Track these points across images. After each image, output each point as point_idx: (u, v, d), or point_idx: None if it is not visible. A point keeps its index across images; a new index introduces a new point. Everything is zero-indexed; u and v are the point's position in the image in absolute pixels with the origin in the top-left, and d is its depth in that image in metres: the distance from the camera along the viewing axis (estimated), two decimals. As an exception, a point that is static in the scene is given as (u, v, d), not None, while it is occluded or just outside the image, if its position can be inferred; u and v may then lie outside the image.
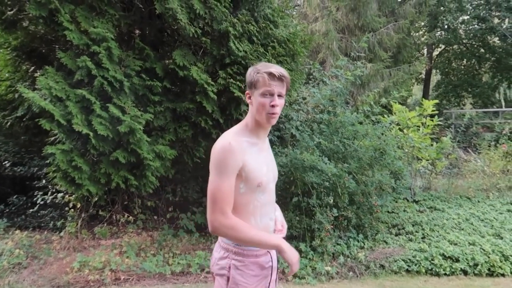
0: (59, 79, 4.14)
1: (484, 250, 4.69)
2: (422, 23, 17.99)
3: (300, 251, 4.55)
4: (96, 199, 4.88)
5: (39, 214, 5.55)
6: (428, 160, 7.58)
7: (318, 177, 4.67)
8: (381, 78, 10.91)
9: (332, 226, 4.73)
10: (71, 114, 3.98)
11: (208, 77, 4.52)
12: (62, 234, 4.92)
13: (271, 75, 1.65)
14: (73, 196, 4.99)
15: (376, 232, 5.32)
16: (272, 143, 5.53)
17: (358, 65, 6.12)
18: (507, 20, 18.61)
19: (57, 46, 5.05)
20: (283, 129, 5.60)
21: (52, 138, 4.91)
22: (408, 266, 4.54)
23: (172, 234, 4.97)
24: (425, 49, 22.13)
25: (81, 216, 5.09)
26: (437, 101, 8.17)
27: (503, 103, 22.83)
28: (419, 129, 7.33)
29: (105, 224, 5.22)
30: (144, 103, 4.65)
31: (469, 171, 8.82)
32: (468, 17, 19.00)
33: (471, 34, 20.10)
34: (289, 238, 4.74)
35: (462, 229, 5.50)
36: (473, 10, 18.40)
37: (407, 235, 5.33)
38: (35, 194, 5.56)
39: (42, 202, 5.50)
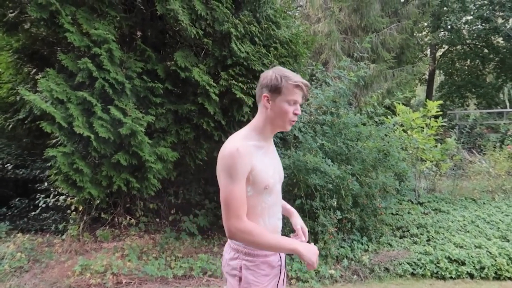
0: (60, 81, 4.12)
1: (490, 253, 4.62)
2: (425, 24, 17.95)
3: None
4: (98, 201, 4.85)
5: (41, 217, 5.53)
6: (432, 162, 7.51)
7: (321, 179, 4.62)
8: (384, 79, 10.85)
9: (335, 229, 4.68)
10: (72, 117, 3.95)
11: (210, 79, 4.49)
12: (64, 237, 4.90)
13: (298, 86, 1.71)
14: (75, 198, 4.97)
15: (381, 234, 5.26)
16: (275, 145, 5.47)
17: (361, 65, 6.06)
18: (511, 20, 18.50)
19: (58, 48, 5.04)
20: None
21: (54, 141, 4.89)
22: (413, 269, 4.48)
23: (174, 237, 4.93)
24: (429, 50, 22.05)
25: (83, 219, 5.06)
26: (441, 102, 8.09)
27: (508, 104, 22.63)
28: (423, 130, 7.27)
29: (107, 227, 5.19)
30: (146, 105, 4.62)
31: (474, 173, 8.73)
32: (471, 17, 18.89)
33: (475, 35, 19.99)
34: (292, 241, 4.68)
35: (468, 232, 5.43)
36: (476, 10, 18.30)
37: (412, 238, 5.27)
38: (37, 197, 5.55)
39: (44, 205, 5.48)
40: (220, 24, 4.51)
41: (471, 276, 4.42)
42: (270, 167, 1.76)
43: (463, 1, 17.96)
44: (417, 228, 5.57)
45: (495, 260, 4.50)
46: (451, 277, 4.39)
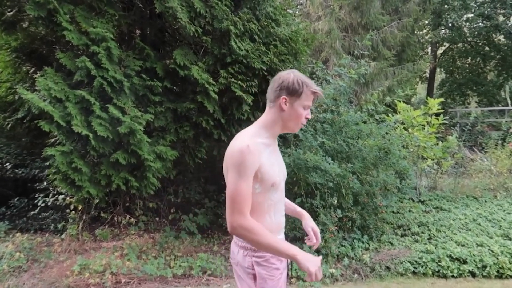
0: (58, 80, 4.09)
1: (492, 251, 4.59)
2: (426, 22, 17.88)
3: (304, 253, 4.47)
4: (97, 201, 4.82)
5: (40, 216, 5.51)
6: (433, 160, 7.47)
7: (322, 177, 4.59)
8: (385, 77, 10.81)
9: (336, 227, 4.65)
10: (71, 115, 3.93)
11: (209, 77, 4.46)
12: (63, 236, 4.88)
13: (315, 93, 1.81)
14: (74, 198, 4.94)
15: (381, 233, 5.23)
16: (275, 143, 5.45)
17: (362, 63, 6.02)
18: (512, 17, 18.44)
19: (57, 47, 5.02)
20: (286, 129, 5.52)
21: (52, 140, 4.87)
22: (415, 268, 4.45)
23: (174, 236, 4.91)
24: (429, 48, 21.99)
25: (82, 218, 5.04)
26: (442, 99, 8.05)
27: (509, 102, 22.61)
28: (424, 128, 7.23)
29: (107, 226, 5.17)
30: (145, 104, 4.59)
31: (475, 171, 8.69)
32: (472, 15, 18.81)
33: (476, 32, 19.91)
34: (292, 239, 4.66)
35: (470, 230, 5.39)
36: (477, 8, 18.23)
37: (413, 236, 5.23)
38: (36, 196, 5.53)
39: (43, 204, 5.46)
40: (219, 22, 4.48)
41: (473, 274, 4.38)
42: (276, 165, 1.80)
43: (464, -1, 17.91)
44: (418, 226, 5.54)
45: (497, 259, 4.46)
46: (452, 276, 4.35)
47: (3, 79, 5.52)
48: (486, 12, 18.17)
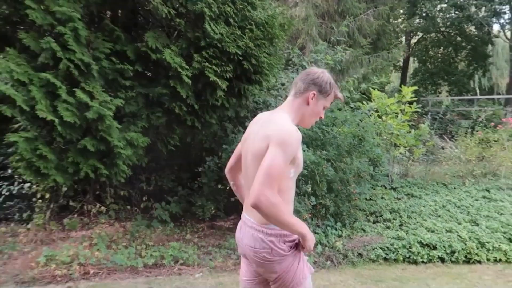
0: (21, 62, 3.85)
1: (461, 237, 4.72)
2: (401, 11, 18.02)
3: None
4: (65, 189, 4.64)
5: (4, 205, 5.26)
6: (406, 147, 7.60)
7: (297, 165, 4.56)
8: (360, 65, 10.84)
9: (310, 215, 4.66)
10: (35, 100, 3.71)
11: (183, 61, 4.31)
12: (29, 226, 4.67)
13: (338, 98, 1.94)
14: (41, 186, 4.74)
15: (354, 220, 5.28)
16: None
17: (338, 49, 6.00)
18: (483, 8, 18.84)
19: (21, 27, 4.73)
20: (261, 116, 5.46)
21: (16, 126, 4.62)
22: (386, 254, 4.52)
23: (146, 225, 4.80)
24: (404, 37, 22.27)
25: (49, 207, 4.86)
26: (416, 87, 8.16)
27: (478, 91, 23.31)
28: (397, 116, 7.32)
29: (76, 215, 4.99)
30: (115, 88, 4.40)
31: (445, 158, 8.93)
32: (446, 5, 19.13)
33: (448, 22, 20.30)
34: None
35: (439, 216, 5.53)
36: (451, -2, 18.54)
37: (385, 223, 5.32)
38: (0, 184, 5.27)
39: (8, 193, 5.20)
40: (193, 4, 4.32)
41: (442, 260, 4.50)
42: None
43: (439, -12, 18.16)
44: (390, 213, 5.64)
45: (465, 244, 4.59)
46: (422, 262, 4.45)
47: (-39, 60, 5.17)
48: (458, 2, 18.50)
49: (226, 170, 2.13)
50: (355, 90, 6.43)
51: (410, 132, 7.38)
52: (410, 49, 22.14)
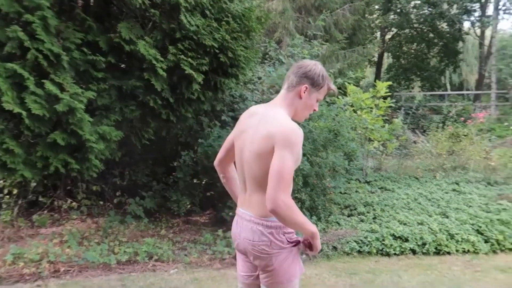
0: (-15, 51, 3.68)
1: (431, 229, 4.84)
2: (377, 6, 18.25)
3: (254, 235, 4.46)
4: (34, 184, 4.48)
5: (-31, 201, 5.04)
6: (379, 141, 7.74)
7: (273, 159, 4.56)
8: (336, 60, 10.93)
9: (286, 209, 4.66)
10: (1, 91, 3.55)
11: (157, 53, 4.20)
12: (-5, 223, 4.50)
13: (330, 90, 1.92)
14: (8, 181, 4.56)
15: (329, 213, 5.34)
16: (226, 124, 5.34)
17: (315, 43, 6.01)
18: (455, 6, 19.32)
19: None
20: (237, 109, 5.42)
21: (-18, 118, 4.41)
22: (360, 247, 4.60)
23: (119, 221, 4.70)
24: (378, 33, 22.58)
25: (17, 203, 4.68)
26: (390, 83, 8.30)
27: (449, 87, 23.98)
28: (372, 111, 7.42)
29: (46, 211, 4.84)
30: (86, 80, 4.26)
31: (417, 152, 9.15)
32: (419, 1, 19.50)
33: (422, 19, 20.71)
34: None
35: (411, 209, 5.66)
36: (424, -6, 18.90)
37: (359, 216, 5.40)
38: (-36, 179, 5.04)
39: (-28, 188, 4.99)
40: (169, -6, 4.22)
41: (414, 252, 4.61)
42: None
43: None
44: (364, 206, 5.73)
45: (436, 236, 4.72)
46: (395, 254, 4.55)
47: None
48: (431, -1, 18.91)
49: (216, 163, 2.09)
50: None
51: (384, 126, 7.51)
52: (385, 45, 22.50)
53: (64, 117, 3.79)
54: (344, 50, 11.39)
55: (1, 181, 4.74)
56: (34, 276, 3.49)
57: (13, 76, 3.66)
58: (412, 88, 23.22)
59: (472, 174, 7.39)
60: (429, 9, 19.63)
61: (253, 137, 1.76)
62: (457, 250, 4.64)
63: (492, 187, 6.94)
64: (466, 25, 21.46)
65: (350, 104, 7.35)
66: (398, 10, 19.80)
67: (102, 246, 4.02)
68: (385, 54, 23.91)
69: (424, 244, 4.65)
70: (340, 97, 7.53)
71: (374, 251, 4.56)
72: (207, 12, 4.49)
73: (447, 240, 4.70)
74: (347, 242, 4.62)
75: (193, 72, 4.28)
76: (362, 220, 5.27)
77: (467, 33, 21.71)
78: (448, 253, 4.61)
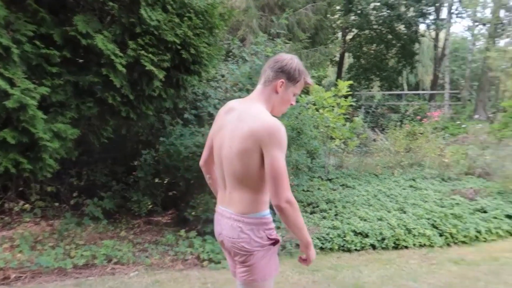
0: None
1: (390, 224, 4.99)
2: (338, 7, 18.61)
3: (217, 235, 4.42)
4: (-18, 185, 4.20)
5: None
6: (341, 140, 7.89)
7: (236, 158, 4.52)
8: (299, 59, 11.04)
9: (250, 208, 4.65)
10: None
11: (116, 48, 4.05)
12: None
13: (307, 84, 1.91)
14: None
15: (292, 211, 5.37)
16: (189, 122, 5.25)
17: (278, 41, 6.03)
18: (412, 8, 20.06)
19: None
20: (200, 107, 5.34)
21: None
22: (322, 243, 4.66)
23: (76, 223, 4.51)
24: (340, 33, 23.05)
25: (-37, 206, 4.38)
26: (351, 82, 8.48)
27: (406, 87, 24.92)
28: (333, 109, 7.55)
29: (-5, 214, 4.56)
30: (39, 75, 4.03)
31: (377, 150, 9.41)
32: (378, 3, 20.07)
33: (381, 20, 21.33)
34: (205, 221, 4.57)
35: (371, 205, 5.80)
36: (383, -3, 19.47)
37: (321, 213, 5.48)
38: None
39: None
40: (128, -13, 4.07)
41: (374, 247, 4.73)
42: None
43: (372, -13, 18.98)
44: (326, 203, 5.82)
45: (394, 231, 4.87)
46: (356, 249, 4.66)
47: None
48: (390, 1, 19.51)
49: (201, 163, 2.06)
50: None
51: (345, 125, 7.66)
52: (346, 45, 23.00)
53: (15, 114, 3.58)
54: (307, 49, 11.53)
55: None
56: (-19, 284, 3.28)
57: (-44, 70, 3.41)
58: (372, 87, 23.90)
59: (428, 171, 7.70)
60: (388, 11, 20.26)
61: (233, 133, 1.74)
62: (414, 244, 4.81)
63: (446, 182, 7.27)
64: (422, 27, 22.36)
65: (313, 102, 7.44)
66: (359, 12, 20.29)
67: (57, 250, 3.83)
68: (346, 54, 24.45)
69: (383, 239, 4.78)
70: (302, 95, 7.60)
71: (336, 247, 4.64)
72: (169, 7, 4.37)
73: (405, 234, 4.86)
74: (310, 239, 4.67)
75: (154, 69, 4.16)
76: (324, 217, 5.34)
77: (423, 35, 22.62)
78: (406, 247, 4.77)
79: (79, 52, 4.31)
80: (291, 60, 1.85)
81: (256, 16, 10.47)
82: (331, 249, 4.63)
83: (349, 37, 23.80)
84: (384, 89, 22.58)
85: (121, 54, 4.06)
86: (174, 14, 4.40)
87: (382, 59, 23.43)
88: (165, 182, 5.41)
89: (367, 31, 22.58)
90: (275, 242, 1.81)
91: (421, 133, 9.31)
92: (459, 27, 42.83)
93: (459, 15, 20.87)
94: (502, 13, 16.93)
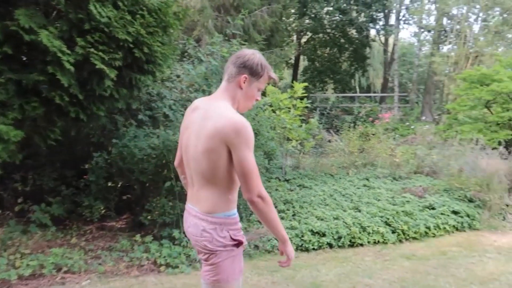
0: None
1: (346, 223, 5.10)
2: (293, 10, 18.93)
3: (173, 238, 4.30)
4: None
5: None
6: (297, 141, 7.99)
7: (193, 159, 4.44)
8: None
9: (207, 210, 4.57)
10: None
11: (63, 45, 3.83)
12: None
13: (272, 79, 1.92)
14: None
15: (251, 213, 5.35)
16: (143, 123, 5.09)
17: (234, 42, 6.00)
18: (363, 14, 20.81)
19: None
20: (155, 108, 5.20)
21: None
22: (281, 244, 4.66)
23: (21, 231, 4.21)
24: (295, 36, 23.46)
25: None
26: (306, 84, 8.63)
27: (358, 89, 25.81)
28: (290, 111, 7.64)
29: None
30: (-24, 73, 3.74)
31: (332, 150, 9.63)
32: (331, 8, 20.64)
33: (334, 25, 21.95)
34: (161, 225, 4.44)
35: (327, 205, 5.91)
36: (336, 1, 20.04)
37: (279, 214, 5.49)
38: None
39: None
40: (76, -18, 3.87)
41: (331, 246, 4.82)
42: None
43: (326, -9, 19.48)
44: (284, 204, 5.85)
45: (350, 230, 4.98)
46: (313, 249, 4.72)
47: None
48: (342, 6, 20.12)
49: (176, 164, 2.05)
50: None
51: (301, 126, 7.77)
52: (301, 48, 23.44)
53: (-52, 115, 3.28)
54: (263, 51, 11.58)
55: None
56: None
57: None
58: (326, 90, 24.53)
59: (380, 170, 7.97)
60: (340, 16, 20.88)
61: (199, 132, 1.73)
62: (368, 242, 4.95)
63: (397, 181, 7.56)
64: (373, 32, 23.25)
65: (269, 104, 7.49)
66: (313, 15, 20.74)
67: (0, 261, 3.55)
68: (301, 57, 24.92)
69: (339, 237, 4.88)
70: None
71: (294, 247, 4.64)
72: (120, 3, 4.20)
73: (360, 232, 4.99)
74: (268, 240, 4.68)
75: (105, 67, 3.98)
76: (282, 218, 5.36)
77: (373, 40, 23.53)
78: (361, 244, 4.90)
79: (22, 49, 4.04)
80: (253, 55, 1.85)
81: (212, 16, 10.39)
82: (289, 249, 4.64)
83: (304, 40, 24.29)
84: (338, 91, 23.26)
85: (68, 52, 3.84)
86: (125, 11, 4.23)
87: (336, 62, 24.12)
88: (118, 185, 5.21)
89: (321, 35, 23.16)
90: (238, 243, 1.79)
91: (373, 134, 9.65)
92: (407, 33, 44.90)
93: (406, 22, 21.98)
94: (445, 20, 17.96)
